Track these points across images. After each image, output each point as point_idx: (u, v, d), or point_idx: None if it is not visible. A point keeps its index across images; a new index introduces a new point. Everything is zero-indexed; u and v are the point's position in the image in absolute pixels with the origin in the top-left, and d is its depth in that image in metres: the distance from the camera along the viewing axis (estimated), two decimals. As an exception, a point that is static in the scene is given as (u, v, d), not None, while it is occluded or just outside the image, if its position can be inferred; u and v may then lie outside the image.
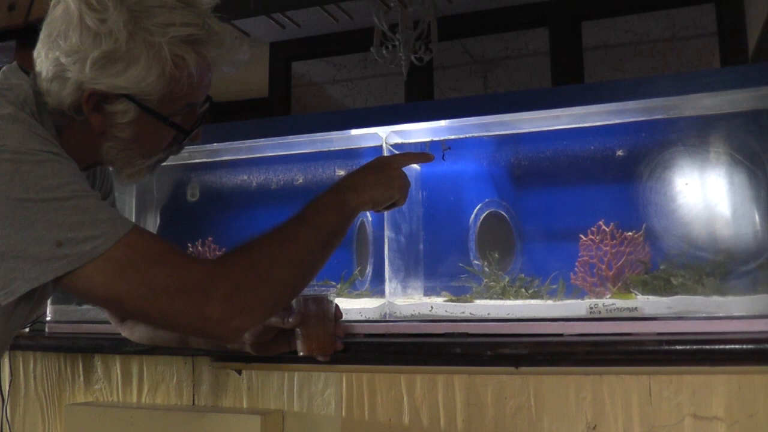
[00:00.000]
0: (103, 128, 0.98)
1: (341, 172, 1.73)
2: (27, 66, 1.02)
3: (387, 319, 1.38)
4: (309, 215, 1.04)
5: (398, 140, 1.50)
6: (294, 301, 1.19)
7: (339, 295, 1.59)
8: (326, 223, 1.05)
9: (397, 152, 1.41)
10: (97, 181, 1.19)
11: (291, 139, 1.57)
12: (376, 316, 1.39)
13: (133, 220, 1.93)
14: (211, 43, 0.99)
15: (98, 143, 1.01)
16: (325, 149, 1.64)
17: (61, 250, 0.85)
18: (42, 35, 0.97)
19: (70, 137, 0.99)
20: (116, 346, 1.42)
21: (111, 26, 0.92)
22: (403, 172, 1.16)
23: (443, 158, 1.56)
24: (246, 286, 0.93)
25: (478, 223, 1.59)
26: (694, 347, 1.09)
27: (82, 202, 0.88)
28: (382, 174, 1.13)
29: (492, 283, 1.47)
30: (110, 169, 1.18)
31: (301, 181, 1.78)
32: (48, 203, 0.87)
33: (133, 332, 1.26)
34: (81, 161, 1.02)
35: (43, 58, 0.96)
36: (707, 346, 1.08)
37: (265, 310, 0.98)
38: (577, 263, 1.42)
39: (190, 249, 1.74)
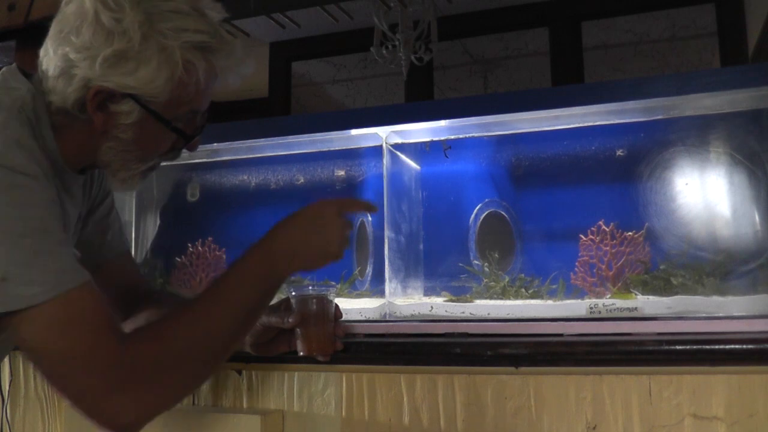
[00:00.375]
0: (105, 128, 0.98)
1: (341, 172, 1.73)
2: (26, 67, 1.02)
3: (387, 319, 1.38)
4: (230, 290, 0.97)
5: (398, 140, 1.51)
6: (294, 301, 1.19)
7: (339, 295, 1.59)
8: (249, 299, 0.99)
9: (331, 201, 1.13)
10: (95, 186, 1.18)
11: (291, 139, 1.57)
12: (376, 316, 1.39)
13: (133, 220, 1.95)
14: (221, 53, 1.00)
15: (97, 144, 1.00)
16: (325, 149, 1.64)
17: (3, 286, 0.83)
18: (51, 32, 0.97)
19: (69, 138, 0.99)
20: (116, 346, 1.42)
21: (126, 26, 0.92)
22: (344, 223, 1.06)
23: (446, 156, 1.56)
24: (153, 383, 0.91)
25: (478, 223, 1.59)
26: (694, 347, 1.09)
27: (40, 243, 0.86)
28: (319, 232, 1.04)
29: (492, 283, 1.47)
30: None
31: (301, 181, 1.78)
32: (5, 234, 0.84)
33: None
34: (77, 163, 1.02)
35: (50, 55, 0.96)
36: (707, 346, 1.08)
37: (165, 405, 0.97)
38: (577, 263, 1.42)
39: (190, 249, 1.74)
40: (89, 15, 0.92)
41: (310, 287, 1.21)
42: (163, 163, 1.11)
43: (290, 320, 1.17)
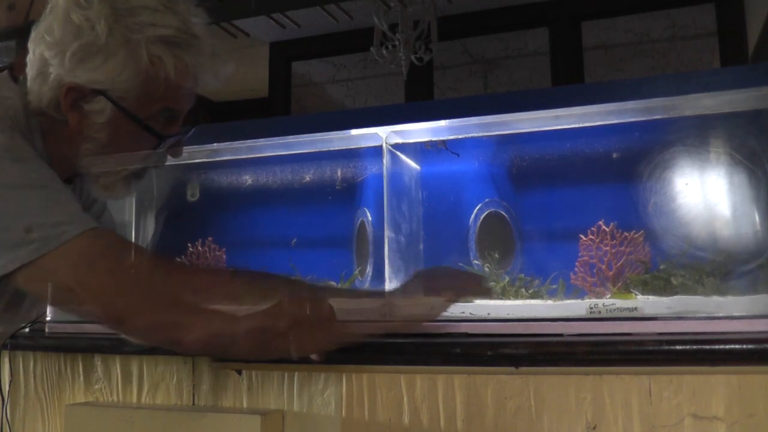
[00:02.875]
0: (80, 127, 0.99)
1: (341, 173, 1.73)
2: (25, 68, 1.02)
3: (387, 319, 1.37)
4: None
5: (398, 140, 1.50)
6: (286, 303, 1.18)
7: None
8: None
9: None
10: (83, 194, 1.19)
11: (291, 139, 1.57)
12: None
13: (133, 220, 1.95)
14: (191, 49, 1.00)
15: (77, 146, 1.01)
16: (325, 149, 1.64)
17: (30, 235, 0.85)
18: (32, 34, 0.99)
19: (53, 143, 1.00)
20: (116, 346, 1.42)
21: (93, 20, 0.94)
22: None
23: (455, 154, 1.57)
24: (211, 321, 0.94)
25: (478, 223, 1.59)
26: (694, 347, 1.09)
27: (53, 193, 0.89)
28: None
29: (492, 283, 1.47)
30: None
31: (301, 181, 1.78)
32: (18, 190, 0.87)
33: None
34: (64, 170, 1.03)
35: (31, 56, 0.98)
36: (707, 346, 1.08)
37: (217, 330, 0.97)
38: (577, 263, 1.42)
39: (190, 249, 1.74)
40: (61, 13, 0.95)
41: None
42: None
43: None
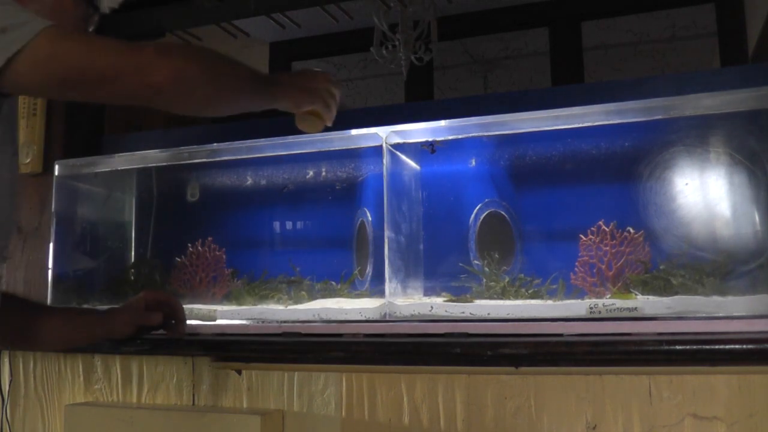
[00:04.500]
0: None
1: (341, 172, 1.73)
2: None
3: (387, 319, 1.38)
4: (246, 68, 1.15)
5: (398, 140, 1.50)
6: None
7: (339, 295, 1.59)
8: (254, 79, 1.16)
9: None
10: None
11: (291, 139, 1.57)
12: (376, 316, 1.39)
13: (133, 220, 1.95)
14: None
15: None
16: (325, 149, 1.64)
17: (7, 34, 0.92)
18: None
19: None
20: (116, 346, 1.42)
21: None
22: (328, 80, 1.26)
23: (432, 151, 1.57)
24: (181, 53, 1.04)
25: (478, 223, 1.59)
26: (694, 347, 1.09)
27: (15, 6, 0.97)
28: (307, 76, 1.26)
29: (492, 283, 1.47)
30: None
31: (301, 181, 1.78)
32: None
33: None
34: None
35: None
36: (707, 346, 1.08)
37: (194, 70, 1.04)
38: (577, 263, 1.42)
39: (190, 249, 1.74)
40: None
41: None
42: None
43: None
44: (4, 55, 0.91)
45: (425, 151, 1.57)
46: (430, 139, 1.53)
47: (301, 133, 1.54)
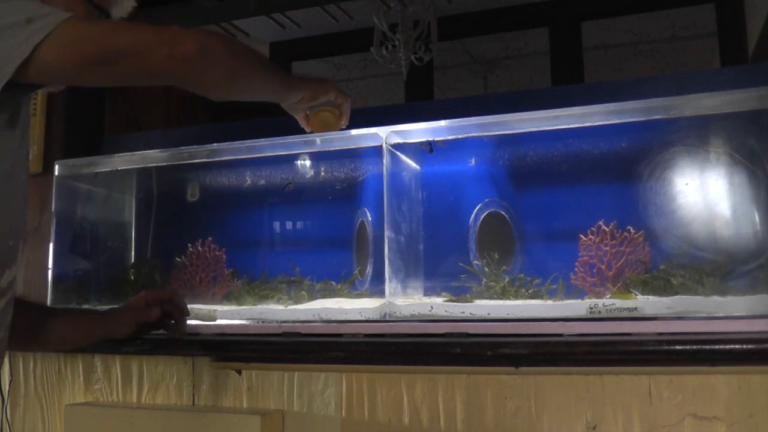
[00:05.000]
0: None
1: (341, 172, 1.73)
2: None
3: (387, 319, 1.38)
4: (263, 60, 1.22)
5: (398, 140, 1.50)
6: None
7: (339, 295, 1.59)
8: (269, 69, 1.22)
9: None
10: None
11: (291, 139, 1.57)
12: (376, 316, 1.39)
13: (133, 220, 1.95)
14: None
15: None
16: (325, 149, 1.64)
17: (32, 23, 0.95)
18: None
19: None
20: (116, 346, 1.42)
21: None
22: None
23: (473, 163, 1.58)
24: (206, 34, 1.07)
25: (478, 223, 1.59)
26: (694, 347, 1.09)
27: (38, 1, 1.00)
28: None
29: (492, 283, 1.47)
30: None
31: (301, 181, 1.78)
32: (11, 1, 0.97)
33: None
34: None
35: None
36: (707, 346, 1.08)
37: (218, 46, 1.07)
38: (577, 263, 1.42)
39: (190, 249, 1.74)
40: None
41: None
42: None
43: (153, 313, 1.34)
44: (30, 42, 0.94)
45: (425, 151, 1.57)
46: (430, 139, 1.53)
47: (301, 133, 1.55)
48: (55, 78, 1.02)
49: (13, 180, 1.04)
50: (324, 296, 1.59)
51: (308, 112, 1.39)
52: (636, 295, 1.32)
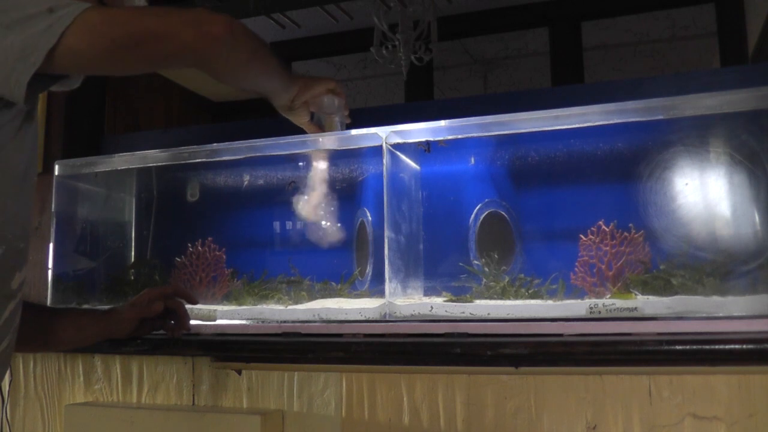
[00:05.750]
0: None
1: (341, 173, 1.73)
2: None
3: (387, 319, 1.38)
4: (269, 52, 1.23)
5: (398, 140, 1.50)
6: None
7: (339, 295, 1.59)
8: (271, 60, 1.24)
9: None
10: None
11: (291, 139, 1.57)
12: (376, 316, 1.39)
13: (133, 220, 1.95)
14: None
15: None
16: (325, 149, 1.64)
17: (56, 12, 0.94)
18: None
19: None
20: (116, 346, 1.42)
21: None
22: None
23: (473, 162, 1.58)
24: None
25: (478, 223, 1.59)
26: (694, 347, 1.09)
27: None
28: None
29: (492, 283, 1.46)
30: None
31: (301, 181, 1.78)
32: None
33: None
34: None
35: None
36: (707, 346, 1.08)
37: (239, 31, 1.10)
38: (577, 263, 1.42)
39: (190, 249, 1.74)
40: None
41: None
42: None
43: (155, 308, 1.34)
44: (56, 29, 0.93)
45: (425, 150, 1.57)
46: (430, 139, 1.53)
47: (300, 133, 1.55)
48: (84, 65, 1.01)
49: (27, 180, 1.04)
50: (324, 296, 1.59)
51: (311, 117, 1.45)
52: (636, 295, 1.32)
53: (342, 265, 1.67)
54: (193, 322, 1.46)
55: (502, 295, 1.43)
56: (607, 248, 1.40)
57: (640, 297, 1.31)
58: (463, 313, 1.33)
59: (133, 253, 1.93)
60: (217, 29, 1.03)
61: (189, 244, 1.74)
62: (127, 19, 0.99)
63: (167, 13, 1.01)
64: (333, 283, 1.62)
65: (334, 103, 1.46)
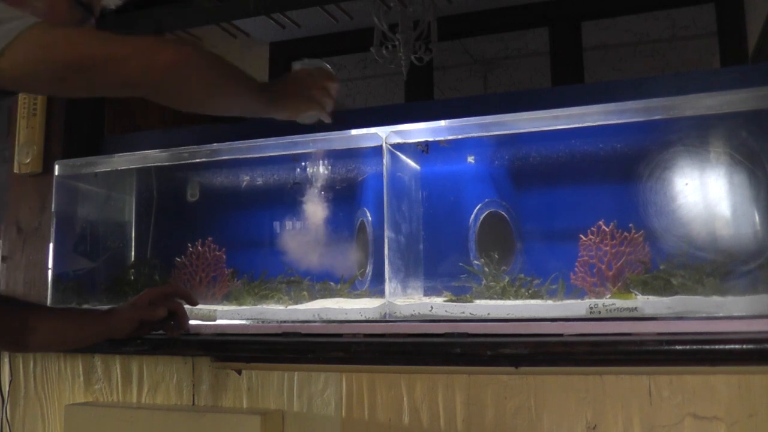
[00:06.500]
0: None
1: (341, 173, 1.73)
2: None
3: (387, 319, 1.38)
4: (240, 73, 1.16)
5: (398, 140, 1.50)
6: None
7: (339, 295, 1.59)
8: (244, 84, 1.17)
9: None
10: None
11: (291, 139, 1.57)
12: (376, 316, 1.39)
13: (133, 220, 1.95)
14: None
15: None
16: (325, 149, 1.64)
17: (2, 25, 0.92)
18: None
19: None
20: (116, 346, 1.42)
21: None
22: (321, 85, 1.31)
23: (473, 161, 1.58)
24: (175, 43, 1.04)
25: (478, 223, 1.59)
26: (694, 347, 1.09)
27: (6, 5, 0.96)
28: (300, 82, 1.30)
29: (492, 283, 1.46)
30: None
31: (301, 181, 1.78)
32: None
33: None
34: None
35: None
36: (707, 346, 1.08)
37: (192, 58, 1.04)
38: (577, 263, 1.42)
39: (190, 249, 1.74)
40: None
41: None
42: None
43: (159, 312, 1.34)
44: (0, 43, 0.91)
45: (423, 152, 1.57)
46: (430, 139, 1.53)
47: (300, 133, 1.55)
48: (29, 83, 0.97)
49: None
50: (324, 296, 1.59)
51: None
52: (636, 295, 1.32)
53: (342, 265, 1.67)
54: (193, 322, 1.46)
55: (502, 295, 1.43)
56: (607, 248, 1.40)
57: (640, 297, 1.31)
58: (463, 313, 1.33)
59: (133, 253, 1.93)
60: (164, 60, 0.98)
61: (189, 244, 1.74)
62: (74, 42, 0.96)
63: (117, 41, 0.98)
64: (333, 283, 1.62)
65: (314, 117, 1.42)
